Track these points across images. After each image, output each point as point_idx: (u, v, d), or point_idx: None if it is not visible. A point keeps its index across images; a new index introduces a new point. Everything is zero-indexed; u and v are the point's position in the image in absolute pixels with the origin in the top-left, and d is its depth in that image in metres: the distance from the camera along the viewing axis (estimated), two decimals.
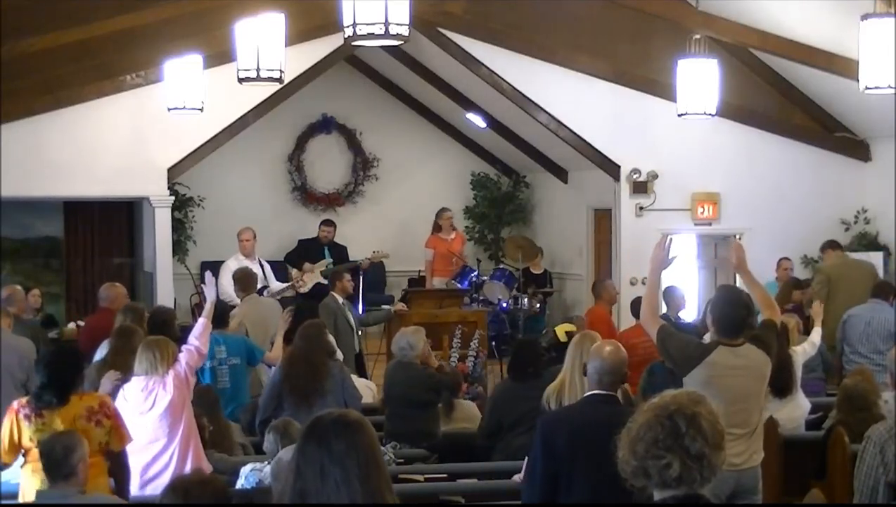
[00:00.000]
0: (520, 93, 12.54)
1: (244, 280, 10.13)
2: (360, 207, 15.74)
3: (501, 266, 14.42)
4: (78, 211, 13.71)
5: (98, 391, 6.63)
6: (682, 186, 12.77)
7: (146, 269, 12.78)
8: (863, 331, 9.73)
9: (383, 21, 6.46)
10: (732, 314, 5.43)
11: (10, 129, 11.30)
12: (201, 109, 10.77)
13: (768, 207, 12.85)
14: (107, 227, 13.88)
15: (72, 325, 11.62)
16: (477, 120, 14.55)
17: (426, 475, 6.59)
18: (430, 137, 16.03)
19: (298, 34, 10.92)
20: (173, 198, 12.49)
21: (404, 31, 6.57)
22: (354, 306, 11.08)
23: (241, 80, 8.68)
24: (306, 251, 13.61)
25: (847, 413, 6.84)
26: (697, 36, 10.62)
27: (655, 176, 12.74)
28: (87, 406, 5.65)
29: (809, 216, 12.78)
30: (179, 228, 13.83)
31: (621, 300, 11.58)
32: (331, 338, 8.30)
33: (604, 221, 13.68)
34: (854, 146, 13.02)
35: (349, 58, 14.27)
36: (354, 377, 8.50)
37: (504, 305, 13.32)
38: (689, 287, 12.35)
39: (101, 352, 7.61)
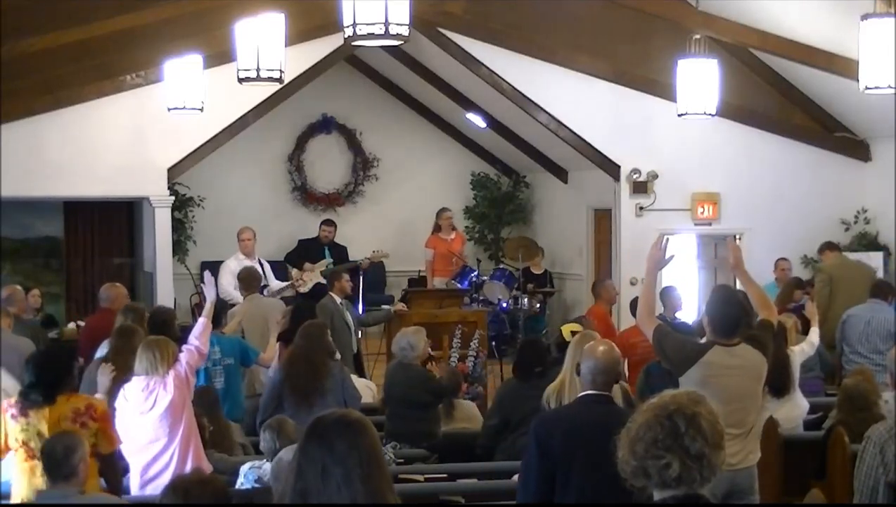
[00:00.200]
0: (520, 93, 12.54)
1: (247, 279, 10.15)
2: (360, 207, 15.74)
3: (501, 266, 14.43)
4: (78, 211, 13.71)
5: (98, 389, 6.65)
6: (682, 186, 12.76)
7: (146, 269, 12.78)
8: (862, 331, 9.74)
9: (383, 21, 6.46)
10: (728, 314, 5.43)
11: (10, 129, 11.30)
12: (201, 109, 10.77)
13: (768, 207, 12.85)
14: (107, 227, 13.89)
15: (72, 325, 11.63)
16: (477, 120, 14.55)
17: (426, 475, 6.59)
18: (430, 137, 16.03)
19: (298, 34, 10.92)
20: (173, 198, 12.49)
21: (404, 31, 6.57)
22: (354, 306, 11.08)
23: (241, 80, 8.68)
24: (306, 251, 13.61)
25: (847, 413, 6.84)
26: (697, 36, 10.62)
27: (655, 176, 12.74)
28: (73, 408, 5.63)
29: (809, 216, 12.78)
30: (179, 228, 13.83)
31: (621, 300, 11.58)
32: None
33: (604, 221, 13.68)
34: (854, 146, 13.02)
35: (349, 58, 14.27)
36: (354, 377, 8.50)
37: (504, 305, 13.32)
38: (688, 287, 12.37)
39: (101, 352, 7.61)
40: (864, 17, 8.57)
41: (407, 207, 15.51)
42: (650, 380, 7.56)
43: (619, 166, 12.76)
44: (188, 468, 6.03)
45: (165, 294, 11.96)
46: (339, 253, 13.57)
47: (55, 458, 4.98)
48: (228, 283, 11.29)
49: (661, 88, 12.02)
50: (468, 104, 14.34)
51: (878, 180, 12.57)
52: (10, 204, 12.32)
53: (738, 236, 12.92)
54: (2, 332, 8.02)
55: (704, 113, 10.43)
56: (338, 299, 10.23)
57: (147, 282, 12.69)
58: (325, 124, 15.59)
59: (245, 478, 6.00)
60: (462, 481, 6.59)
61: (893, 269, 12.40)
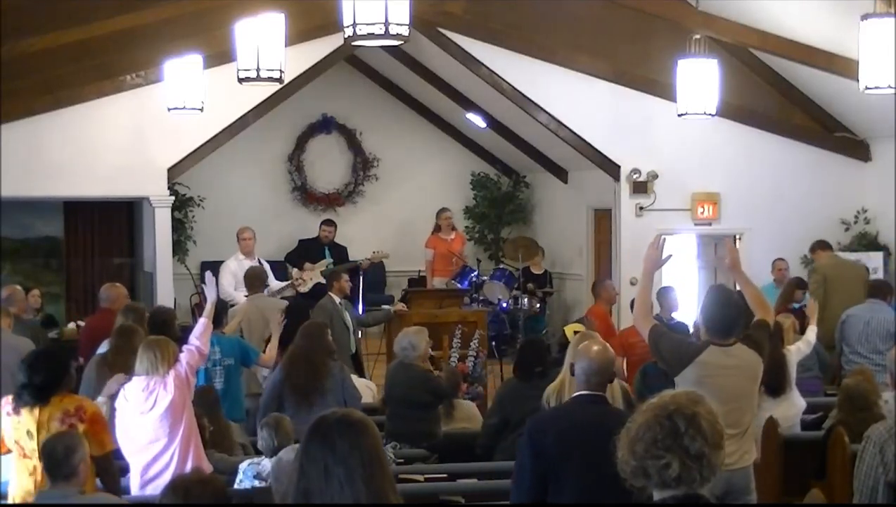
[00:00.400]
0: (520, 93, 12.54)
1: (252, 279, 10.16)
2: (360, 207, 15.74)
3: (501, 266, 14.43)
4: (78, 211, 13.71)
5: (102, 390, 6.64)
6: (682, 186, 12.77)
7: (146, 269, 12.78)
8: (862, 331, 9.73)
9: (383, 21, 6.46)
10: (723, 315, 5.44)
11: (10, 129, 11.30)
12: (201, 109, 10.77)
13: (768, 207, 12.85)
14: (107, 227, 13.89)
15: (72, 325, 11.64)
16: (477, 120, 14.55)
17: (426, 475, 6.59)
18: (430, 137, 16.03)
19: (298, 34, 10.92)
20: (173, 198, 12.49)
21: (404, 31, 6.57)
22: (354, 307, 11.08)
23: (241, 80, 8.68)
24: (307, 251, 13.62)
25: (847, 413, 6.85)
26: (697, 36, 10.63)
27: (655, 176, 12.74)
28: (63, 409, 5.61)
29: (809, 216, 12.77)
30: (179, 228, 13.84)
31: (621, 300, 11.59)
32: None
33: (604, 221, 13.68)
34: (854, 146, 13.02)
35: (349, 58, 14.28)
36: (354, 377, 8.50)
37: (504, 305, 13.32)
38: (688, 287, 12.37)
39: (101, 351, 7.61)
40: (864, 17, 8.57)
41: (407, 207, 15.51)
42: (647, 380, 7.59)
43: (619, 166, 12.76)
44: (188, 468, 6.03)
45: (165, 294, 11.96)
46: (339, 253, 13.57)
47: (55, 458, 4.98)
48: (228, 283, 11.29)
49: (661, 87, 12.02)
50: (468, 104, 14.34)
51: (878, 180, 12.58)
52: (10, 204, 12.32)
53: (738, 236, 12.93)
54: (2, 332, 8.01)
55: (704, 113, 10.44)
56: (337, 300, 10.23)
57: (147, 282, 12.69)
58: (325, 124, 15.59)
59: (244, 474, 6.01)
60: (462, 481, 6.59)
61: (893, 269, 12.41)
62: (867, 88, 8.69)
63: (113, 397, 6.42)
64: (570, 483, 4.46)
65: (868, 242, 12.67)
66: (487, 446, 7.26)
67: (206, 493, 3.80)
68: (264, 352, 8.59)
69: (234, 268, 11.54)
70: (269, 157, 15.33)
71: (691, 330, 8.66)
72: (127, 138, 11.81)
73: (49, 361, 5.79)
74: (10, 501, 5.66)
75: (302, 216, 15.30)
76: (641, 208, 12.74)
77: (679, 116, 10.57)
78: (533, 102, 12.60)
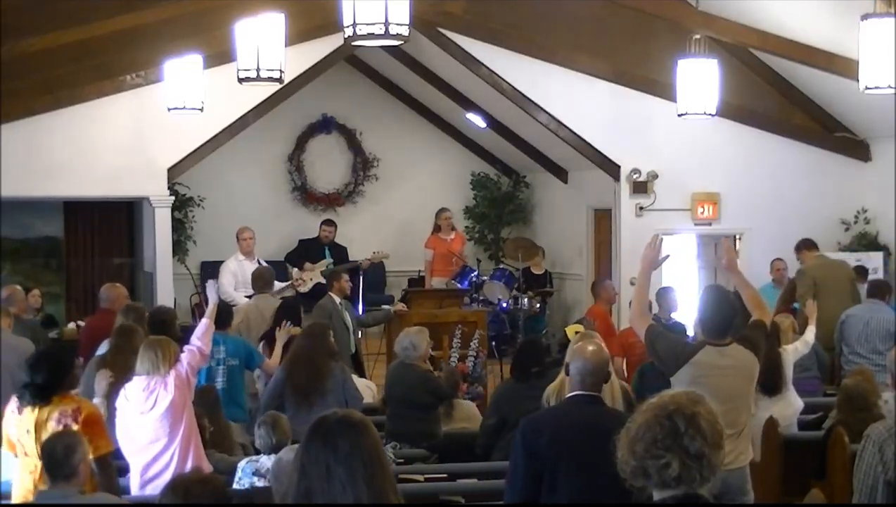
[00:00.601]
0: (520, 93, 12.54)
1: (256, 279, 10.16)
2: (360, 207, 15.74)
3: (501, 266, 14.42)
4: (78, 211, 13.71)
5: (95, 390, 6.64)
6: (682, 186, 12.77)
7: (146, 269, 12.78)
8: (861, 331, 9.72)
9: (383, 21, 6.46)
10: (718, 315, 5.45)
11: (10, 129, 11.31)
12: (201, 109, 10.78)
13: (768, 207, 12.85)
14: (107, 227, 13.89)
15: (72, 325, 11.64)
16: (477, 120, 14.55)
17: (426, 475, 6.59)
18: (430, 137, 16.03)
19: (298, 34, 10.92)
20: (173, 198, 12.49)
21: (404, 31, 6.57)
22: (354, 307, 11.08)
23: (241, 80, 8.68)
24: (307, 251, 13.62)
25: (847, 413, 6.85)
26: (697, 36, 10.63)
27: (655, 176, 12.74)
28: (60, 409, 5.61)
29: (809, 216, 12.77)
30: (179, 228, 13.83)
31: (621, 300, 11.59)
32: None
33: (604, 221, 13.69)
34: (854, 146, 13.02)
35: (349, 58, 14.28)
36: (354, 377, 8.50)
37: (504, 305, 13.32)
38: (689, 287, 12.37)
39: (100, 352, 7.61)
40: (864, 17, 8.57)
41: (407, 207, 15.52)
42: (644, 380, 7.59)
43: (619, 166, 12.77)
44: (188, 468, 6.02)
45: (165, 294, 11.96)
46: (340, 253, 13.58)
47: (55, 458, 4.98)
48: (228, 283, 11.30)
49: (661, 87, 12.02)
50: (468, 104, 14.34)
51: (878, 180, 12.57)
52: (10, 204, 12.32)
53: (737, 236, 12.94)
54: (2, 332, 8.01)
55: (704, 113, 10.44)
56: (337, 300, 10.22)
57: (147, 282, 12.69)
58: (325, 124, 15.59)
59: (242, 472, 6.01)
60: (462, 481, 6.59)
61: (893, 269, 12.41)
62: (867, 88, 8.69)
63: (111, 397, 6.42)
64: (563, 484, 4.45)
65: (868, 243, 12.67)
66: (486, 446, 7.27)
67: (205, 492, 3.80)
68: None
69: (234, 268, 11.54)
70: (269, 157, 15.33)
71: (691, 330, 8.67)
72: (127, 138, 11.81)
73: (51, 361, 5.79)
74: (12, 500, 5.67)
75: (302, 216, 15.30)
76: (641, 208, 12.75)
77: (679, 116, 10.57)
78: (533, 102, 12.60)
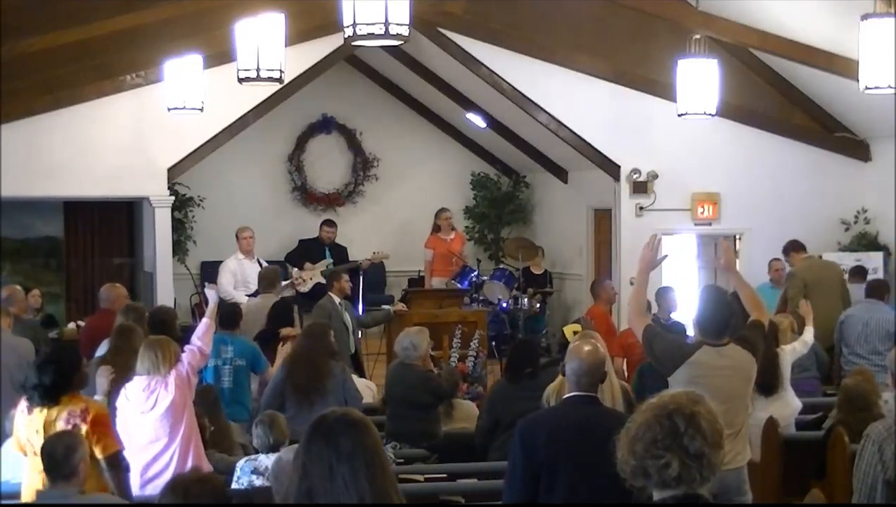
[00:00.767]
0: (520, 93, 12.54)
1: (263, 279, 10.16)
2: (360, 207, 15.74)
3: (501, 266, 14.42)
4: (78, 211, 13.71)
5: (97, 389, 6.64)
6: (682, 186, 12.77)
7: (146, 269, 12.78)
8: (861, 332, 9.71)
9: (383, 21, 6.46)
10: (715, 315, 5.45)
11: (10, 129, 11.31)
12: (201, 109, 10.78)
13: (768, 207, 12.85)
14: (107, 227, 13.89)
15: (72, 325, 11.63)
16: (477, 120, 14.55)
17: (426, 475, 6.59)
18: (430, 137, 16.03)
19: (298, 34, 10.92)
20: (173, 198, 12.49)
21: (404, 31, 6.57)
22: (354, 307, 11.08)
23: (241, 81, 8.69)
24: (307, 251, 13.62)
25: (847, 413, 6.85)
26: (697, 36, 10.63)
27: (655, 176, 12.74)
28: (68, 409, 5.61)
29: (809, 216, 12.77)
30: (179, 228, 13.83)
31: (621, 300, 11.59)
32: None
33: (604, 221, 13.68)
34: (854, 146, 13.02)
35: (349, 58, 14.28)
36: (354, 377, 8.51)
37: (504, 305, 13.32)
38: (688, 287, 12.37)
39: (101, 352, 7.61)
40: (864, 17, 8.57)
41: (407, 207, 15.51)
42: (644, 380, 7.58)
43: (619, 166, 12.77)
44: (188, 468, 6.03)
45: (165, 294, 11.96)
46: (340, 253, 13.58)
47: (55, 458, 4.98)
48: (228, 282, 11.30)
49: (661, 87, 12.02)
50: (468, 104, 14.34)
51: (878, 180, 12.57)
52: (10, 204, 12.32)
53: (737, 236, 12.94)
54: (2, 332, 8.01)
55: (704, 113, 10.44)
56: (337, 300, 10.22)
57: (147, 282, 12.69)
58: (325, 124, 15.59)
59: (241, 471, 6.02)
60: (462, 481, 6.60)
61: (893, 269, 12.40)
62: (867, 88, 8.69)
63: (111, 396, 6.43)
64: (561, 484, 4.46)
65: (868, 243, 12.66)
66: (481, 446, 7.27)
67: (205, 492, 3.80)
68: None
69: (234, 267, 11.55)
70: (269, 157, 15.33)
71: (691, 330, 8.66)
72: (127, 138, 11.81)
73: (58, 361, 5.80)
74: (22, 499, 5.67)
75: (302, 216, 15.30)
76: (641, 208, 12.74)
77: (679, 116, 10.57)
78: (533, 102, 12.60)
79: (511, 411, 6.89)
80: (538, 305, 13.73)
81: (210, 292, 7.22)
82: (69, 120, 11.63)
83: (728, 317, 5.48)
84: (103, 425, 5.69)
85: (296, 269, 13.13)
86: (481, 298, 13.25)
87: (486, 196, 15.67)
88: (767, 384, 7.40)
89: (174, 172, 12.16)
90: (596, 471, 4.09)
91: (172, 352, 6.32)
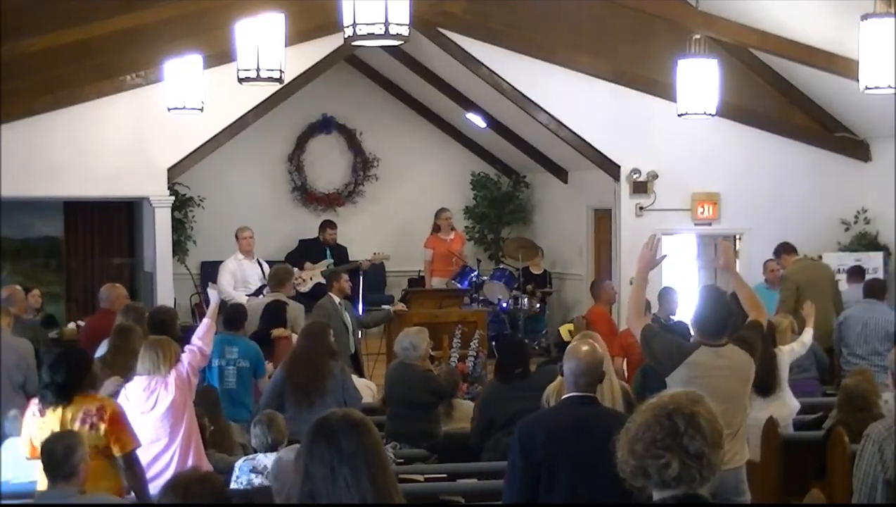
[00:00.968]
0: (520, 93, 12.54)
1: (272, 278, 10.16)
2: (360, 207, 15.74)
3: (501, 266, 14.43)
4: (78, 211, 13.71)
5: (100, 392, 6.64)
6: (682, 186, 12.77)
7: (146, 269, 12.78)
8: (860, 333, 9.69)
9: (383, 21, 6.46)
10: (713, 315, 5.45)
11: (10, 129, 11.31)
12: (201, 109, 10.78)
13: (768, 207, 12.85)
14: (107, 227, 13.89)
15: (72, 325, 11.63)
16: (477, 120, 14.55)
17: (426, 475, 6.59)
18: (430, 137, 16.03)
19: (298, 34, 10.92)
20: (173, 198, 12.49)
21: (404, 31, 6.57)
22: (354, 307, 11.07)
23: (241, 81, 8.69)
24: (307, 251, 13.62)
25: (847, 413, 6.85)
26: (697, 36, 10.63)
27: (655, 176, 12.74)
28: (84, 409, 5.63)
29: (809, 216, 12.78)
30: (179, 228, 13.83)
31: (621, 300, 11.58)
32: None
33: (604, 221, 13.69)
34: (854, 146, 13.02)
35: (349, 58, 14.28)
36: (354, 377, 8.51)
37: (504, 305, 13.32)
38: (689, 287, 12.37)
39: (100, 352, 7.61)
40: (864, 17, 8.57)
41: (407, 207, 15.51)
42: (647, 380, 7.58)
43: (619, 166, 12.77)
44: (189, 468, 6.03)
45: (165, 294, 11.96)
46: (340, 253, 13.58)
47: (55, 458, 4.98)
48: (227, 283, 11.29)
49: (661, 87, 12.02)
50: (468, 104, 14.34)
51: (878, 180, 12.57)
52: (10, 204, 12.32)
53: (737, 236, 12.94)
54: (1, 332, 8.01)
55: (704, 113, 10.44)
56: (337, 300, 10.22)
57: (147, 282, 12.68)
58: (325, 124, 15.59)
59: (240, 471, 6.02)
60: (462, 481, 6.60)
61: (893, 269, 12.41)
62: (867, 88, 8.69)
63: (113, 397, 6.42)
64: (561, 484, 4.46)
65: (868, 243, 12.67)
66: (476, 446, 7.27)
67: (204, 491, 3.80)
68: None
69: (234, 267, 11.55)
70: (269, 157, 15.33)
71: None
72: (127, 138, 11.81)
73: (70, 360, 5.82)
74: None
75: (302, 216, 15.30)
76: (641, 208, 12.74)
77: (679, 116, 10.58)
78: (533, 102, 12.60)
79: (504, 410, 6.91)
80: (538, 305, 13.74)
81: (212, 293, 7.22)
82: (69, 120, 11.63)
83: (726, 317, 5.48)
84: (121, 422, 5.72)
85: (296, 269, 13.12)
86: (481, 298, 13.25)
87: (486, 196, 15.67)
88: (765, 385, 7.40)
89: (174, 172, 12.16)
90: (595, 471, 4.09)
91: (173, 352, 6.33)
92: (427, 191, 15.55)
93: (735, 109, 12.53)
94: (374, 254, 13.33)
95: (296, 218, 15.26)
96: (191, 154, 12.17)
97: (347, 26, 6.57)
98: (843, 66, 10.53)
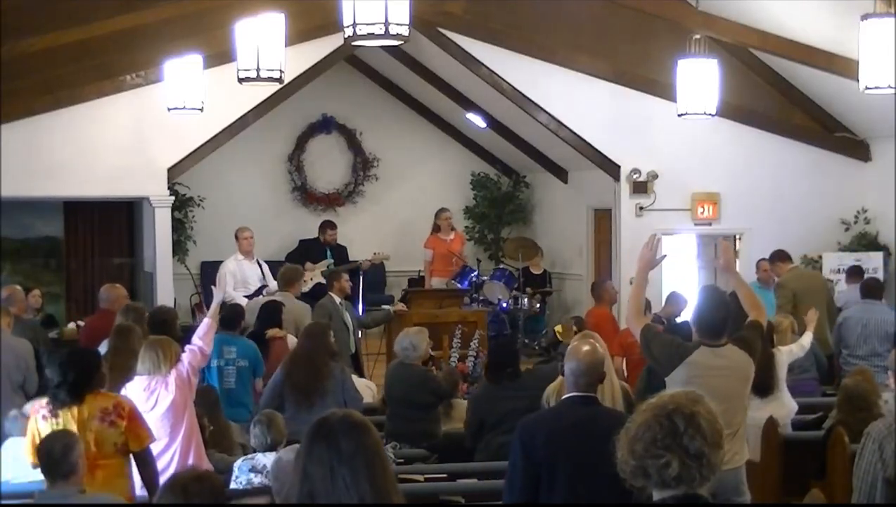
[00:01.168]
0: (520, 93, 12.54)
1: (280, 279, 10.17)
2: (360, 207, 15.74)
3: (501, 266, 14.43)
4: (78, 211, 13.71)
5: None
6: (682, 186, 12.77)
7: (146, 269, 12.78)
8: (860, 334, 9.66)
9: (383, 21, 6.47)
10: (713, 315, 5.45)
11: (10, 129, 11.31)
12: (201, 109, 10.78)
13: (768, 207, 12.86)
14: (107, 227, 13.89)
15: (72, 325, 11.63)
16: (477, 120, 14.55)
17: (426, 475, 6.59)
18: (430, 137, 16.03)
19: (298, 34, 10.92)
20: (173, 198, 12.50)
21: (404, 31, 6.58)
22: (354, 307, 11.07)
23: (241, 81, 8.69)
24: (307, 251, 13.62)
25: (847, 413, 6.85)
26: (697, 36, 10.63)
27: (655, 176, 12.74)
28: (101, 407, 5.63)
29: (809, 216, 12.78)
30: (179, 228, 13.83)
31: (621, 300, 11.58)
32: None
33: (604, 221, 13.69)
34: (854, 146, 13.02)
35: (349, 58, 14.28)
36: (354, 377, 8.51)
37: (504, 305, 13.32)
38: (689, 287, 12.37)
39: (100, 351, 7.61)
40: (864, 17, 8.58)
41: (407, 207, 15.52)
42: (652, 380, 7.57)
43: (619, 166, 12.77)
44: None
45: (165, 294, 11.96)
46: (340, 253, 13.58)
47: (53, 457, 4.97)
48: (227, 283, 11.27)
49: (661, 87, 12.03)
50: (468, 104, 14.34)
51: (878, 180, 12.58)
52: (10, 204, 12.33)
53: (738, 236, 12.94)
54: (1, 332, 8.01)
55: (704, 113, 10.44)
56: (337, 300, 10.22)
57: (147, 282, 12.69)
58: (325, 124, 15.59)
59: (239, 470, 6.02)
60: (462, 481, 6.59)
61: (893, 269, 12.40)
62: (867, 88, 8.69)
63: None
64: (561, 484, 4.46)
65: (868, 243, 12.67)
66: (471, 446, 7.28)
67: (203, 490, 3.79)
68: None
69: (233, 268, 11.54)
70: (269, 157, 15.33)
71: None
72: (127, 138, 11.81)
73: (82, 359, 5.83)
74: None
75: (302, 216, 15.30)
76: (641, 208, 12.75)
77: (679, 116, 10.58)
78: (533, 102, 12.60)
79: (495, 411, 6.92)
80: (538, 305, 13.73)
81: (216, 292, 7.21)
82: (69, 120, 11.64)
83: (726, 317, 5.48)
84: (137, 418, 5.75)
85: None
86: (481, 298, 13.25)
87: (486, 196, 15.67)
88: (763, 385, 7.38)
89: (174, 172, 12.16)
90: (595, 471, 4.09)
91: (173, 352, 6.33)
92: (427, 191, 15.56)
93: (735, 109, 12.54)
94: (374, 254, 13.33)
95: (296, 218, 15.26)
96: (191, 154, 12.17)
97: (347, 26, 6.57)
98: (843, 66, 10.53)
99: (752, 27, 11.21)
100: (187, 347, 6.49)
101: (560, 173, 14.95)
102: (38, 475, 5.57)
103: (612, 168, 12.81)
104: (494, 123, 14.57)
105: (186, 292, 13.81)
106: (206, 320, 6.73)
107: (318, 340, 7.76)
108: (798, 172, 12.96)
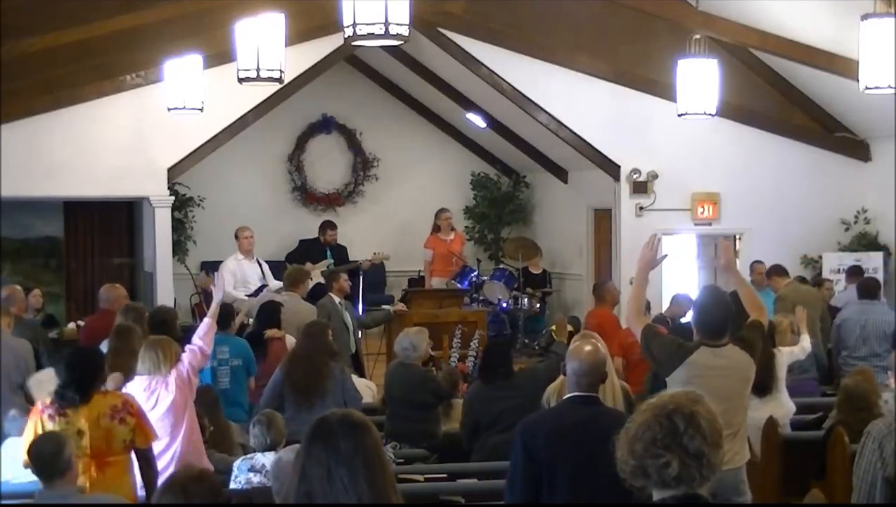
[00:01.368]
0: (520, 93, 12.54)
1: (286, 279, 10.15)
2: (360, 207, 15.74)
3: (501, 266, 14.43)
4: (78, 211, 13.71)
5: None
6: (682, 186, 12.77)
7: (146, 269, 12.78)
8: (859, 335, 9.67)
9: (383, 21, 6.47)
10: (713, 316, 5.44)
11: (10, 129, 11.31)
12: (201, 109, 10.78)
13: (768, 207, 12.86)
14: (107, 227, 13.89)
15: (72, 325, 11.62)
16: (477, 120, 14.55)
17: (426, 475, 6.59)
18: (430, 137, 16.04)
19: (298, 34, 10.92)
20: (173, 198, 12.50)
21: (404, 31, 6.58)
22: (354, 307, 11.07)
23: (241, 81, 8.69)
24: (307, 251, 13.61)
25: (847, 413, 6.85)
26: (697, 36, 10.63)
27: (655, 176, 12.74)
28: (110, 405, 5.66)
29: (809, 216, 12.78)
30: (179, 228, 13.83)
31: (621, 300, 11.56)
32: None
33: (604, 221, 13.69)
34: (854, 146, 13.03)
35: (349, 58, 14.28)
36: (354, 377, 8.50)
37: (504, 305, 13.32)
38: (689, 287, 12.37)
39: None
40: (864, 17, 8.58)
41: (407, 207, 15.52)
42: (658, 379, 7.57)
43: (619, 166, 12.77)
44: None
45: (165, 294, 11.96)
46: (340, 253, 13.57)
47: (45, 457, 4.97)
48: (227, 282, 11.26)
49: (661, 87, 12.03)
50: (468, 104, 14.34)
51: (878, 180, 12.58)
52: (10, 204, 12.32)
53: (738, 236, 12.94)
54: (1, 332, 8.00)
55: (704, 113, 10.45)
56: (337, 300, 10.22)
57: (147, 282, 12.68)
58: (325, 124, 15.59)
59: (239, 470, 6.02)
60: (462, 481, 6.59)
61: (893, 269, 12.40)
62: (867, 88, 8.70)
63: None
64: (562, 484, 4.46)
65: (868, 243, 12.67)
66: (468, 447, 7.28)
67: (203, 489, 3.79)
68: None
69: (234, 267, 11.54)
70: (269, 157, 15.34)
71: None
72: (127, 138, 11.81)
73: (86, 357, 5.87)
74: None
75: (302, 216, 15.30)
76: (641, 208, 12.75)
77: (679, 116, 10.58)
78: (533, 102, 12.60)
79: (489, 411, 6.93)
80: (538, 305, 13.73)
81: (216, 291, 7.19)
82: (69, 120, 11.64)
83: (727, 318, 5.47)
84: (143, 416, 5.79)
85: None
86: (481, 298, 13.25)
87: (486, 196, 15.67)
88: (762, 385, 7.37)
89: (174, 172, 12.16)
90: (596, 471, 4.08)
91: (173, 352, 6.33)
92: (427, 191, 15.56)
93: (735, 109, 12.54)
94: (374, 254, 13.32)
95: (296, 218, 15.26)
96: (191, 154, 12.17)
97: (347, 26, 6.57)
98: (843, 66, 10.53)
99: (752, 27, 11.22)
100: (187, 347, 6.48)
101: (560, 173, 14.95)
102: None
103: (612, 168, 12.81)
104: (494, 123, 14.57)
105: (186, 292, 13.80)
106: (206, 320, 6.73)
107: (318, 339, 7.76)
108: (798, 172, 12.96)
